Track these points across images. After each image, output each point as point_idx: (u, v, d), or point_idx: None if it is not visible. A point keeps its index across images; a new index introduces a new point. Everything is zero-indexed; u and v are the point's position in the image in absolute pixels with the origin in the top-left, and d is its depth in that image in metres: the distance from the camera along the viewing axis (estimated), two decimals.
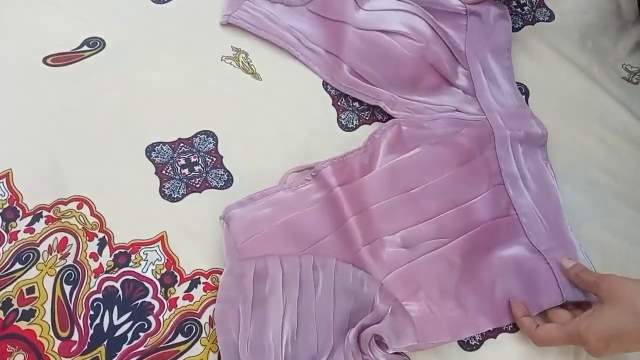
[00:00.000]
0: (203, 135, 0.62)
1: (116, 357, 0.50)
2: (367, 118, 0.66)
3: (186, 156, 0.60)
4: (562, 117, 0.68)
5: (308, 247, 0.55)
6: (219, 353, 0.50)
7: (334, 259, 0.53)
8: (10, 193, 0.55)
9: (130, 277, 0.53)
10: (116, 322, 0.51)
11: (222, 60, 0.67)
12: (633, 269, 0.58)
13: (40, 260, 0.53)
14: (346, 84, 0.66)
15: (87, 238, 0.54)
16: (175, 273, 0.54)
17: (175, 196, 0.57)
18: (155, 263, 0.54)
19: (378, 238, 0.55)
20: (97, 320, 0.51)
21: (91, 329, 0.50)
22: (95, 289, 0.52)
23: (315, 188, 0.58)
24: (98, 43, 0.66)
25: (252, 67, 0.67)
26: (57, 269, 0.52)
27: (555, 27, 0.76)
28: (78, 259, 0.53)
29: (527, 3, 0.77)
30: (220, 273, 0.54)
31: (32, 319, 0.50)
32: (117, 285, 0.52)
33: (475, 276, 0.56)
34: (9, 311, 0.50)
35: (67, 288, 0.52)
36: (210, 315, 0.52)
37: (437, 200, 0.59)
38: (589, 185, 0.64)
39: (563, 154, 0.65)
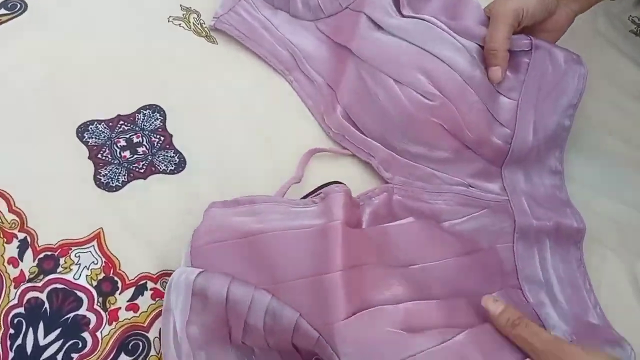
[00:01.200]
0: (148, 111, 0.52)
1: None
2: None
3: (127, 136, 0.50)
4: None
5: (271, 283, 0.41)
6: None
7: (296, 316, 0.39)
8: None
9: (59, 286, 0.43)
10: (42, 342, 0.41)
11: (169, 21, 0.57)
12: None
13: None
14: (336, 129, 0.53)
15: (5, 240, 0.44)
16: (116, 278, 0.44)
17: (113, 184, 0.47)
18: (90, 267, 0.44)
19: (368, 308, 0.39)
20: (19, 341, 0.41)
21: (11, 351, 0.41)
22: (15, 301, 0.42)
23: (315, 213, 0.43)
24: (18, 5, 0.55)
25: (205, 29, 0.57)
26: None
27: None
28: None
29: None
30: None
31: None
32: (43, 296, 0.43)
33: None
34: None
35: None
36: (160, 328, 0.43)
37: (443, 284, 0.44)
38: (600, 154, 0.57)
39: None
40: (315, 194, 0.45)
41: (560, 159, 0.52)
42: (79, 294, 0.43)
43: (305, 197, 0.46)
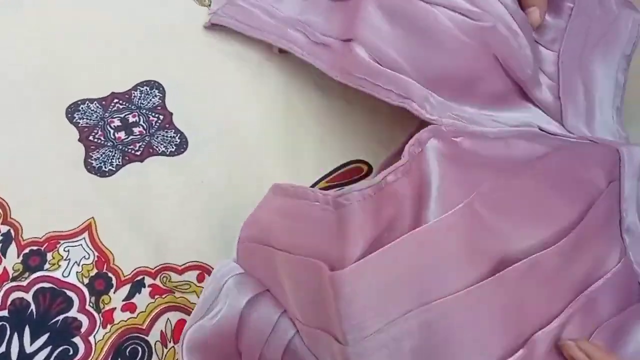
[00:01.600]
0: (145, 87, 0.46)
1: None
2: None
3: (122, 115, 0.45)
4: None
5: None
6: None
7: None
8: None
9: (47, 285, 0.38)
10: (29, 349, 0.36)
11: None
12: None
13: None
14: (358, 72, 0.40)
15: None
16: (110, 274, 0.39)
17: (106, 169, 0.42)
18: (81, 263, 0.39)
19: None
20: (3, 348, 0.36)
21: None
22: None
23: (385, 196, 0.31)
24: None
25: None
26: None
27: None
28: None
29: None
30: (173, 270, 0.39)
31: None
32: (29, 296, 0.38)
33: None
34: None
35: None
36: (162, 331, 0.38)
37: (566, 276, 0.31)
38: None
39: None
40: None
41: (620, 122, 0.44)
42: (69, 293, 0.38)
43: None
